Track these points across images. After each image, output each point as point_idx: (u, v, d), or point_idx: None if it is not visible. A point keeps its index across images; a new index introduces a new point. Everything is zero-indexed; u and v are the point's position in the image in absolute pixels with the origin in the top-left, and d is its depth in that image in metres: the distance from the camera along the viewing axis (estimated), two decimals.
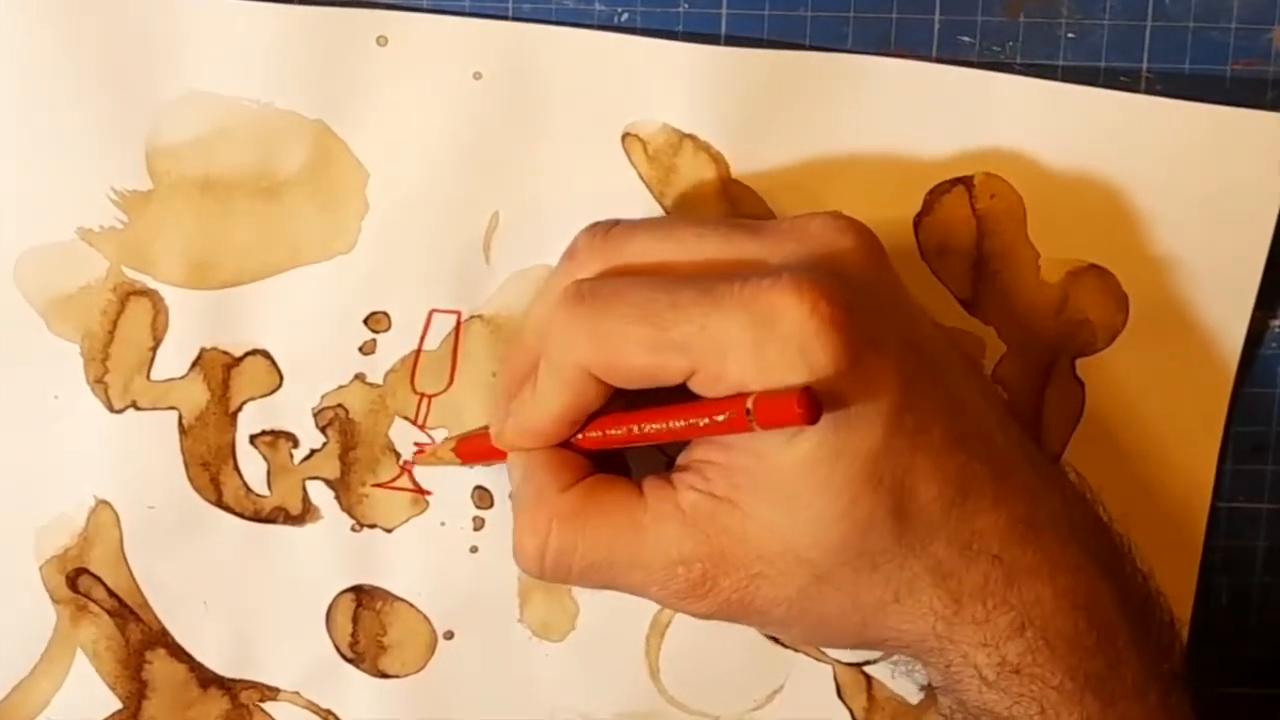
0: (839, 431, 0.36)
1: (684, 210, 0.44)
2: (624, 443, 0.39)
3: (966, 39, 0.43)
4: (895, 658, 0.41)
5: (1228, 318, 0.44)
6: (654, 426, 0.38)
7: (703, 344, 0.36)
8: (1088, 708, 0.37)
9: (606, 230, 0.40)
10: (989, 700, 0.38)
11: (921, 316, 0.40)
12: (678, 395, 0.38)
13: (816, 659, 0.46)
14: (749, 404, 0.35)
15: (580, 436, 0.40)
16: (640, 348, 0.37)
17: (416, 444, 0.44)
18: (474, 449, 0.43)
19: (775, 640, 0.45)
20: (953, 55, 0.43)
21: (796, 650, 0.46)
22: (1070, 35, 0.43)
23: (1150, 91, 0.43)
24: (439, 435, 0.44)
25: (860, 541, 0.37)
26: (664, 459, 0.43)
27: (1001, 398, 0.44)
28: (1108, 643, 0.38)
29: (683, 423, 0.37)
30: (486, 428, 0.43)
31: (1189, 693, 0.39)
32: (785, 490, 0.37)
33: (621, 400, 0.39)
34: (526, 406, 0.40)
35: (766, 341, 0.36)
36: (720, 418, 0.36)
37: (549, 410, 0.39)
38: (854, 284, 0.37)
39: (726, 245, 0.39)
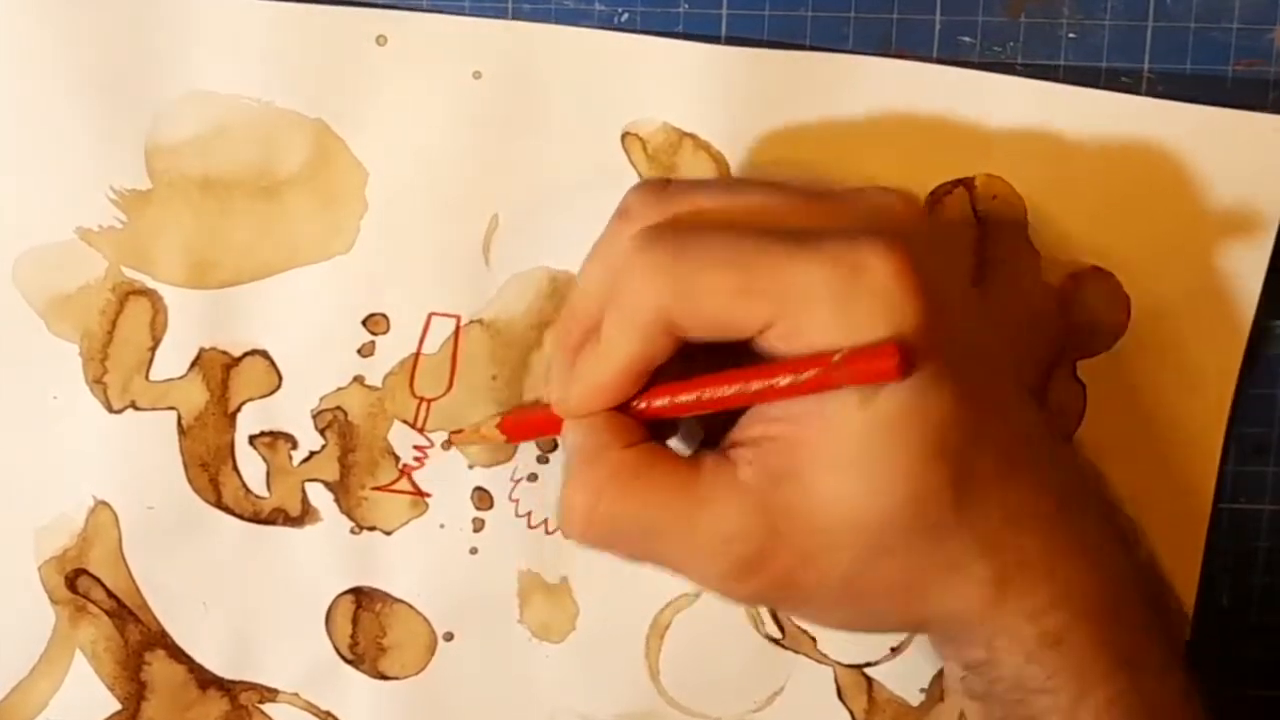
0: (914, 394, 0.36)
1: None
2: (692, 410, 0.38)
3: (967, 39, 0.43)
4: (897, 658, 0.41)
5: (1230, 319, 0.44)
6: (727, 390, 0.37)
7: (789, 294, 0.36)
8: (1119, 683, 0.38)
9: (662, 186, 0.39)
10: (1026, 675, 0.38)
11: (971, 293, 0.40)
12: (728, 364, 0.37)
13: (818, 660, 0.46)
14: (837, 357, 0.35)
15: (645, 405, 0.39)
16: (724, 294, 0.36)
17: (416, 446, 0.44)
18: (522, 424, 0.42)
19: (776, 642, 0.45)
20: (953, 56, 0.43)
21: (797, 652, 0.45)
22: (1071, 36, 0.43)
23: (1151, 92, 0.43)
24: (438, 439, 0.44)
25: (919, 510, 0.36)
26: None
27: None
28: (1136, 621, 0.38)
29: (761, 384, 0.36)
30: (533, 403, 0.42)
31: (1195, 678, 0.40)
32: (852, 454, 0.36)
33: (671, 374, 0.38)
34: (591, 364, 0.39)
35: (854, 296, 0.35)
36: (805, 375, 0.35)
37: (616, 362, 0.38)
38: (924, 251, 0.37)
39: (793, 205, 0.38)
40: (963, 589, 0.38)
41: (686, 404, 0.38)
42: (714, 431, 0.40)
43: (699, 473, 0.38)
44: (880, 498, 0.36)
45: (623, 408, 0.39)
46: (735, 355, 0.37)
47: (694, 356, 0.38)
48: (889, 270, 0.35)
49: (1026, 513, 0.38)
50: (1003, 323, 0.44)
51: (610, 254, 0.39)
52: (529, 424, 0.42)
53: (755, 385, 0.36)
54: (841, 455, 0.36)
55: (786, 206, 0.38)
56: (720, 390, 0.37)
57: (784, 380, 0.36)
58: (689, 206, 0.39)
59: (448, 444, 0.44)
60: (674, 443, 0.41)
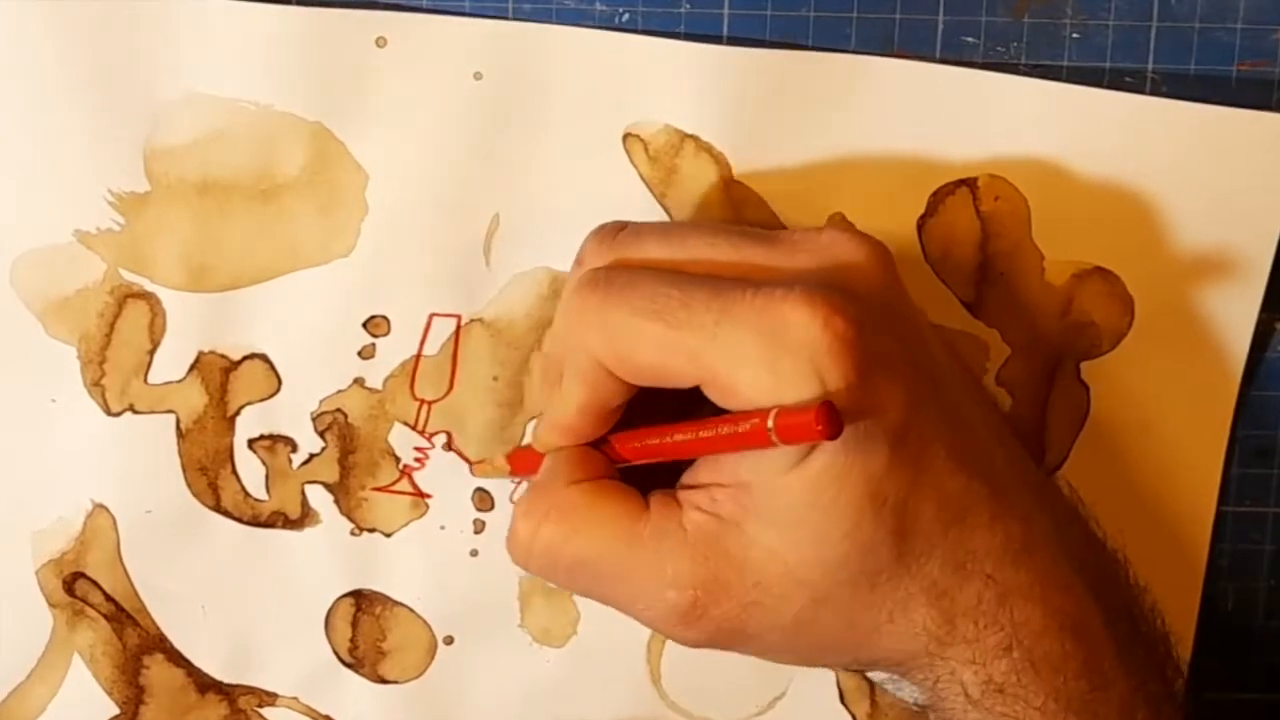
0: (847, 452, 0.36)
1: (686, 211, 0.43)
2: (659, 453, 0.39)
3: (970, 39, 0.43)
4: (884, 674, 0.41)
5: (1234, 320, 0.44)
6: (683, 436, 0.37)
7: (713, 354, 0.36)
8: None
9: (614, 233, 0.40)
10: (972, 719, 0.38)
11: (927, 331, 0.40)
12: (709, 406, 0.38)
13: None
14: (770, 419, 0.35)
15: (619, 446, 0.40)
16: (649, 344, 0.37)
17: (417, 448, 0.44)
18: (521, 459, 0.43)
19: None
20: (956, 56, 0.43)
21: None
22: (1075, 36, 0.43)
23: (1155, 92, 0.43)
24: (439, 440, 0.44)
25: (860, 561, 0.37)
26: None
27: (1000, 409, 0.44)
28: (1094, 664, 0.38)
29: (711, 433, 0.37)
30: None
31: (1182, 711, 0.39)
32: (793, 513, 0.36)
33: (664, 414, 0.39)
34: (555, 403, 0.40)
35: (779, 356, 0.35)
36: (743, 428, 0.36)
37: (571, 404, 0.39)
38: (864, 300, 0.37)
39: (737, 254, 0.38)
40: (906, 635, 0.38)
41: (654, 448, 0.39)
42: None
43: (645, 515, 0.38)
44: (819, 552, 0.37)
45: (601, 443, 0.40)
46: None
47: (691, 397, 0.38)
48: (814, 328, 0.35)
49: (978, 557, 0.37)
50: (1008, 326, 0.44)
51: (567, 298, 0.39)
52: (527, 459, 0.42)
53: (705, 434, 0.37)
54: (779, 512, 0.37)
55: (733, 255, 0.38)
56: (678, 437, 0.38)
57: (725, 432, 0.36)
58: (637, 253, 0.39)
59: (448, 445, 0.44)
60: None
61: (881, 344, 0.36)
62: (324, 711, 0.46)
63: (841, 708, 0.46)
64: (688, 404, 0.38)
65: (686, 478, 0.39)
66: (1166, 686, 0.39)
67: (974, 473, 0.38)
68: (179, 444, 0.44)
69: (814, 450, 0.36)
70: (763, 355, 0.35)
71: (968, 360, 0.44)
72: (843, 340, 0.35)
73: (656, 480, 0.40)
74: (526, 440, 0.44)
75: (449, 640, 0.45)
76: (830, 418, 0.34)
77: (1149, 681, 0.39)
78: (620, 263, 0.39)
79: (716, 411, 0.37)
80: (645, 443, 0.39)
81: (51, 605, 0.45)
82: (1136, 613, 0.40)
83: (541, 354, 0.43)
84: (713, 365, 0.36)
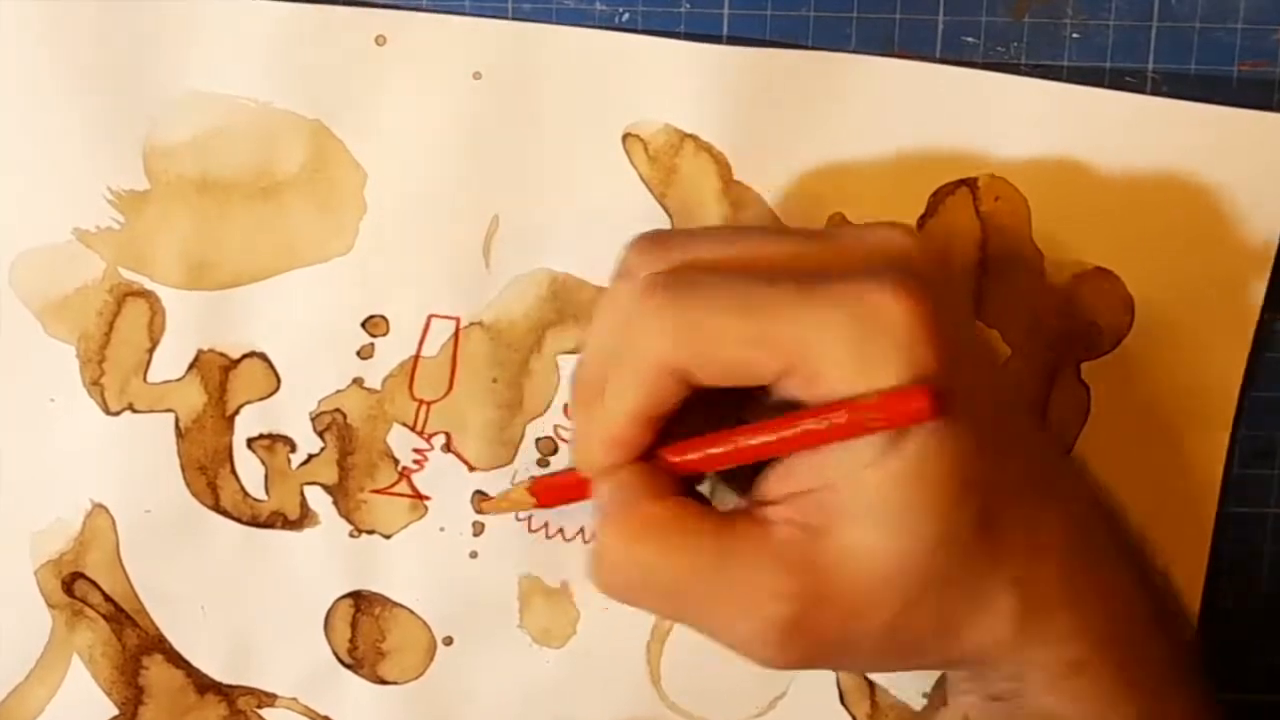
0: (936, 434, 0.35)
1: (686, 212, 0.43)
2: (727, 462, 0.37)
3: (970, 39, 0.43)
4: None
5: (1234, 320, 0.44)
6: (761, 439, 0.36)
7: (802, 340, 0.35)
8: (1138, 703, 0.38)
9: (661, 240, 0.39)
10: (1049, 704, 0.38)
11: (973, 320, 0.40)
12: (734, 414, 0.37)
13: None
14: (871, 403, 0.34)
15: (678, 459, 0.38)
16: (735, 341, 0.36)
17: (415, 449, 0.44)
18: (553, 488, 0.41)
19: None
20: (957, 56, 0.43)
21: None
22: (1075, 36, 0.43)
23: (1156, 92, 0.43)
24: (438, 441, 0.44)
25: (950, 549, 0.36)
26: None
27: None
28: (1147, 642, 0.38)
29: (795, 430, 0.35)
30: (564, 470, 0.42)
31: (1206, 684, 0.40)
32: (885, 505, 0.36)
33: (686, 426, 0.38)
34: (598, 418, 0.38)
35: (869, 341, 0.35)
36: (837, 419, 0.35)
37: (620, 414, 0.37)
38: (935, 287, 0.36)
39: (794, 249, 0.38)
40: (991, 624, 0.37)
41: (719, 456, 0.37)
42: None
43: (733, 530, 0.37)
44: (914, 542, 0.36)
45: (654, 462, 0.38)
46: (739, 405, 0.37)
47: (697, 408, 0.37)
48: (901, 310, 0.35)
49: (1045, 542, 0.37)
50: (1008, 326, 0.44)
51: (615, 310, 0.38)
52: (559, 488, 0.41)
53: (789, 433, 0.36)
54: (873, 505, 0.36)
55: (787, 252, 0.38)
56: (754, 440, 0.36)
57: (811, 426, 0.35)
58: (689, 257, 0.38)
59: (447, 446, 0.44)
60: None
61: (954, 328, 0.36)
62: (323, 712, 0.45)
63: (841, 708, 0.46)
64: (702, 416, 0.37)
65: (758, 494, 0.38)
66: (1195, 657, 0.40)
67: (1032, 455, 0.38)
68: (178, 443, 0.44)
69: (903, 438, 0.35)
70: (853, 342, 0.35)
71: None
72: (930, 325, 0.35)
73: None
74: (526, 442, 0.44)
75: (448, 641, 0.45)
76: (935, 398, 0.33)
77: (1187, 654, 0.39)
78: (685, 265, 0.38)
79: (756, 415, 0.36)
80: (707, 452, 0.37)
81: (50, 606, 0.45)
82: (1167, 589, 0.41)
83: (573, 378, 0.41)
84: (799, 356, 0.35)
